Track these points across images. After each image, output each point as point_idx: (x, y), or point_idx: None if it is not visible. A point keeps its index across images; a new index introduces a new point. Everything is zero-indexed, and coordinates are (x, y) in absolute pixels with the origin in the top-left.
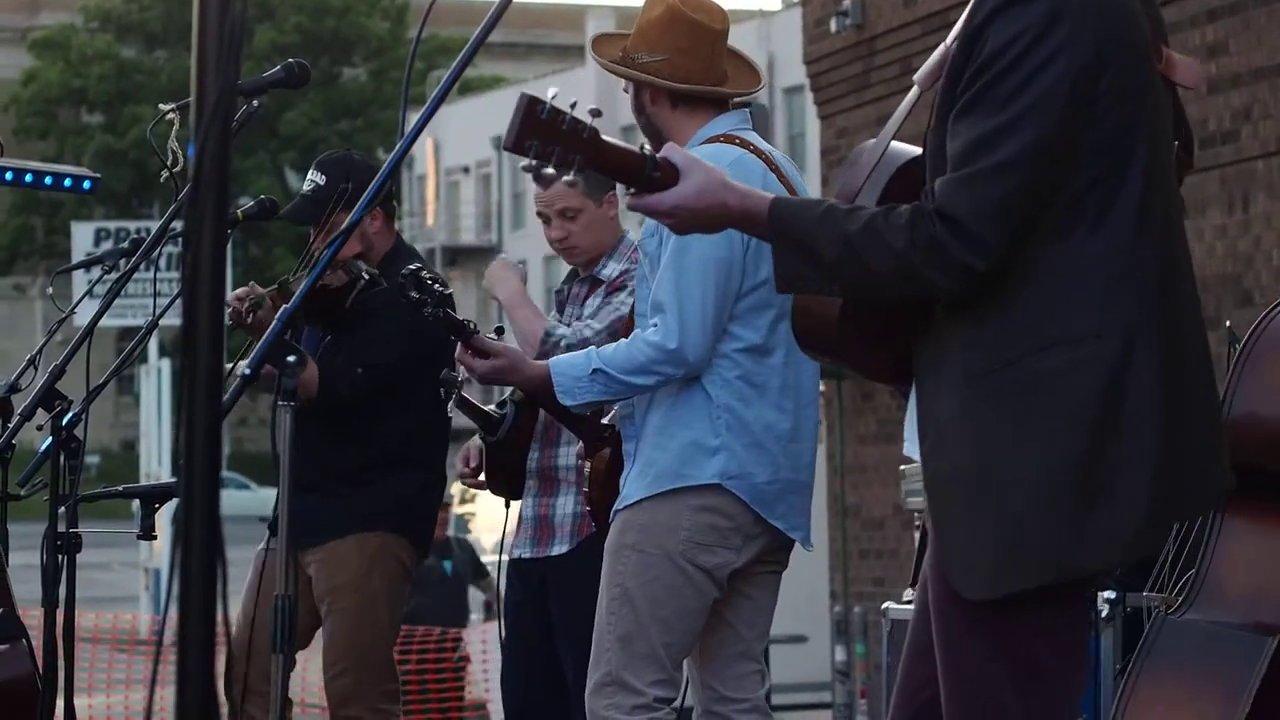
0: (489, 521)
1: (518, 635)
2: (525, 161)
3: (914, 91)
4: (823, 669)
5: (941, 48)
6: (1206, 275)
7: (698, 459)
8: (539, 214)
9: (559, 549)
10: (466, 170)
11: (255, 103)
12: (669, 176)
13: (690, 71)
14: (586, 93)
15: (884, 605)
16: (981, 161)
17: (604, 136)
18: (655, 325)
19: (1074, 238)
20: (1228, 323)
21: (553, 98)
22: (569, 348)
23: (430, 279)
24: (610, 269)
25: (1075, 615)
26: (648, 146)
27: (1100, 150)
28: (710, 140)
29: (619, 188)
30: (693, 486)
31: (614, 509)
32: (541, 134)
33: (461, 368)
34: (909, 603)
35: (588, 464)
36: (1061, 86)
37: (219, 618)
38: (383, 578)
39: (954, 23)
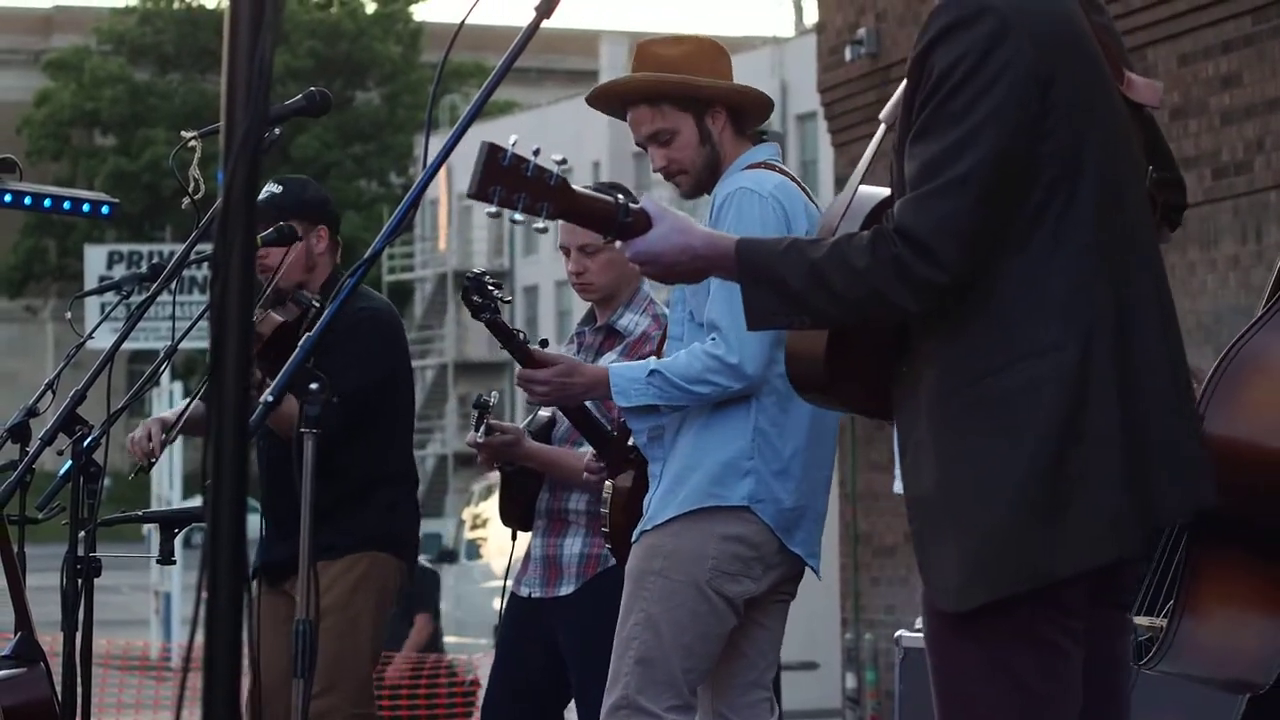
0: (499, 547)
1: (508, 667)
2: (490, 208)
3: (880, 130)
4: (833, 696)
5: (902, 85)
6: (1219, 306)
7: (730, 479)
8: (561, 246)
9: (566, 589)
10: None
11: (277, 130)
12: (642, 223)
13: (750, 96)
14: (598, 121)
15: (897, 633)
16: (937, 179)
17: (573, 185)
18: (714, 339)
19: (1032, 251)
20: None
21: (514, 144)
22: None
23: (493, 285)
24: (627, 321)
25: (1054, 626)
26: (621, 195)
27: (1055, 163)
28: (752, 167)
29: None
30: (721, 508)
31: (639, 528)
32: (505, 180)
33: (495, 392)
34: (922, 630)
35: (610, 485)
36: (1010, 101)
37: (245, 642)
38: (367, 598)
39: None
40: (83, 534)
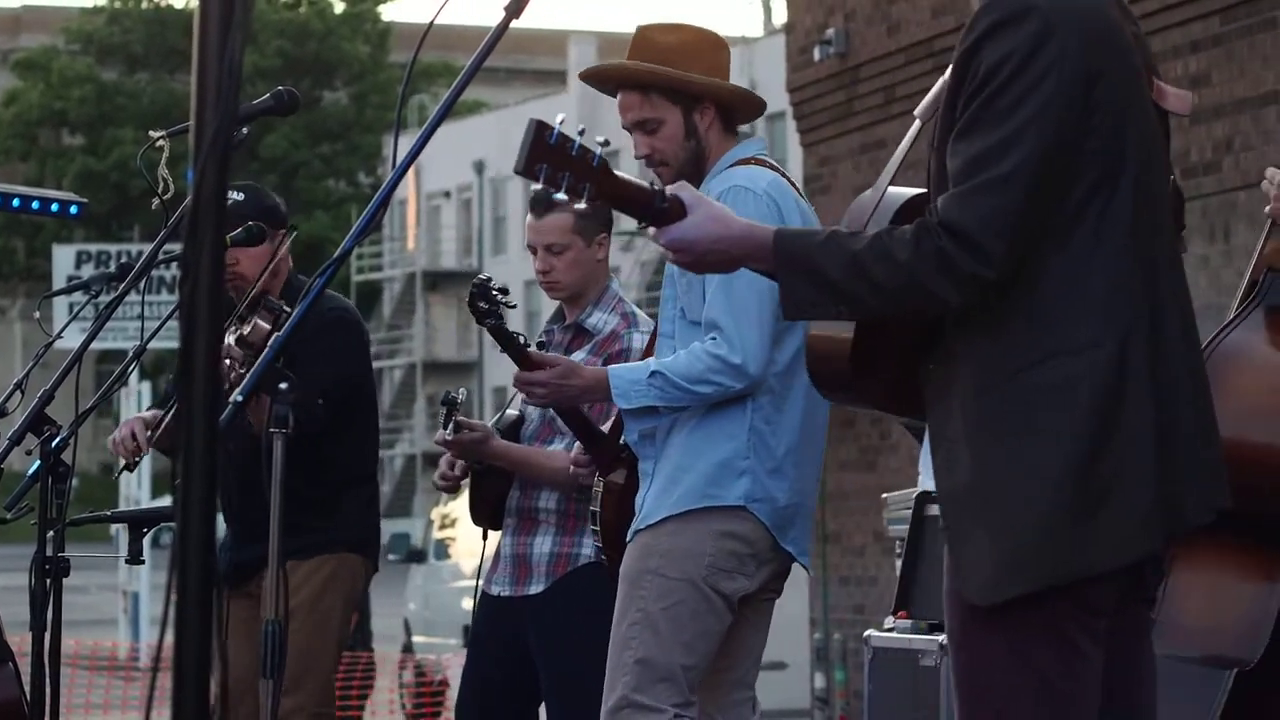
0: (468, 548)
1: (479, 667)
2: (536, 186)
3: (915, 126)
4: (802, 696)
5: (939, 83)
6: None
7: (726, 480)
8: (528, 245)
9: (535, 588)
10: (447, 195)
11: (244, 130)
12: (677, 211)
13: (743, 94)
14: (568, 118)
15: (866, 632)
16: (984, 175)
17: (612, 168)
18: (714, 339)
19: (1073, 249)
20: None
21: (560, 123)
22: None
23: (498, 290)
24: (596, 319)
25: (1078, 624)
26: (657, 182)
27: (1097, 161)
28: (741, 163)
29: (633, 225)
30: (717, 508)
31: (633, 528)
32: (551, 159)
33: (463, 390)
34: (891, 630)
35: (600, 482)
36: (1057, 99)
37: (214, 642)
38: (335, 598)
39: (938, 52)
40: (51, 534)
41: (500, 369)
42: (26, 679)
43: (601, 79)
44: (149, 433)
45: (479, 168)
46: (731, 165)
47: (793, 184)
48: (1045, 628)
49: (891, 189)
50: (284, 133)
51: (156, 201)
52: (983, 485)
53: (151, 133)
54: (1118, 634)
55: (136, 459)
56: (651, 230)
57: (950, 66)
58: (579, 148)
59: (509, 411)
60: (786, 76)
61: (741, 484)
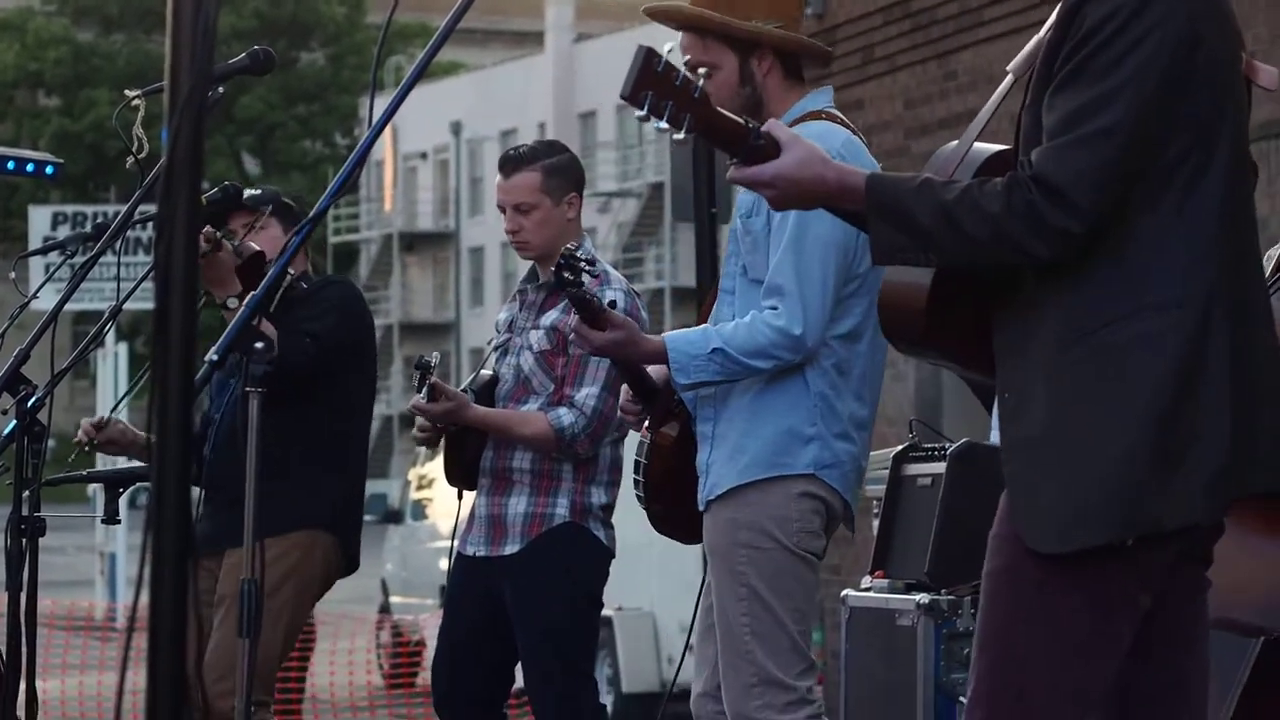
0: (445, 508)
1: (455, 627)
2: (639, 112)
3: (1006, 81)
4: None
5: (1034, 40)
6: None
7: (793, 448)
8: (499, 205)
9: (510, 548)
10: (424, 156)
11: (219, 90)
12: (771, 148)
13: (800, 43)
14: (544, 82)
15: (843, 592)
16: (1079, 130)
17: (712, 102)
18: (775, 309)
19: (1163, 209)
20: None
21: (669, 52)
22: (587, 432)
23: (586, 262)
24: None
25: (1121, 592)
26: (750, 119)
27: (1192, 125)
28: (810, 115)
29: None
30: (788, 475)
31: (703, 498)
32: (656, 86)
33: (435, 353)
34: (868, 590)
35: (649, 434)
36: (1158, 59)
37: (190, 602)
38: (294, 589)
39: (915, 12)
40: (27, 494)
41: (477, 330)
42: (2, 639)
43: (659, 17)
44: (105, 418)
45: (456, 129)
46: (801, 118)
47: (862, 140)
48: (1090, 589)
49: (977, 144)
50: (260, 94)
51: (131, 161)
52: (1058, 435)
53: (127, 92)
54: (1169, 595)
55: (91, 437)
56: (731, 170)
57: (1051, 21)
58: (683, 78)
59: (483, 372)
60: None
61: (810, 451)
